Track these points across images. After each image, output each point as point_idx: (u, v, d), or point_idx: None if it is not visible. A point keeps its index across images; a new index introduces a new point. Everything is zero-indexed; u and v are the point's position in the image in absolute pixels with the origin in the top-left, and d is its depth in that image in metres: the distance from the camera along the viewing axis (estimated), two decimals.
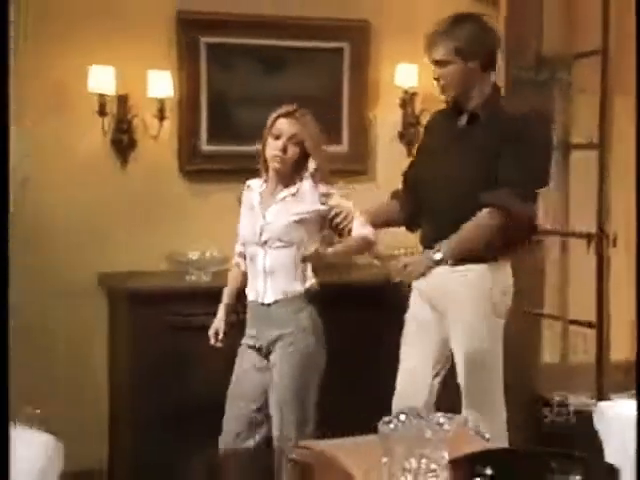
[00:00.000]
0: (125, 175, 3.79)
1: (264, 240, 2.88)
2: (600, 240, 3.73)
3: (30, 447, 2.69)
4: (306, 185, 2.90)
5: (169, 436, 3.48)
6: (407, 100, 4.04)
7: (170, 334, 3.46)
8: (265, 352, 2.93)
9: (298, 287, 2.90)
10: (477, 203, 2.84)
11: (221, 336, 3.04)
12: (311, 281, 2.93)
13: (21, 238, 3.60)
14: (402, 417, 2.07)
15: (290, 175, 2.91)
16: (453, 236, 2.83)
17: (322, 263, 2.85)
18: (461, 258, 2.85)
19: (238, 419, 2.96)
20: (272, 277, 2.89)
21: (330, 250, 2.82)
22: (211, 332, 3.05)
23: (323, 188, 2.90)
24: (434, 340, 3.02)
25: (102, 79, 3.57)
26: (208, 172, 3.87)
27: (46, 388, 3.57)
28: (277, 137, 2.87)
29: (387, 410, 2.99)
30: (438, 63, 2.91)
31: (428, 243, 2.94)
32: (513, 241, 2.96)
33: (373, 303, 3.61)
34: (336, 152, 4.04)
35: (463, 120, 2.95)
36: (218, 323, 3.05)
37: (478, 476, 1.49)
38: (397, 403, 3.03)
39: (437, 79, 2.95)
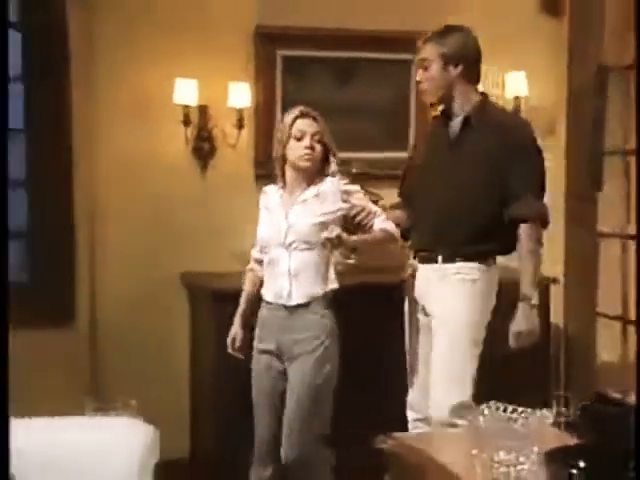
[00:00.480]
0: (205, 180, 3.94)
1: (289, 242, 2.87)
2: None
3: (131, 435, 2.85)
4: (326, 184, 2.90)
5: (247, 431, 3.60)
6: None
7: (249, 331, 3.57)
8: (285, 356, 2.90)
9: (321, 289, 2.88)
10: (479, 207, 2.91)
11: (238, 344, 3.02)
12: (334, 284, 2.92)
13: (110, 239, 3.80)
14: (486, 411, 2.19)
15: (314, 174, 2.91)
16: (522, 274, 2.89)
17: (345, 248, 2.87)
18: (452, 257, 2.93)
19: (265, 427, 3.00)
20: (297, 279, 2.86)
21: (354, 237, 2.85)
22: (229, 340, 3.04)
23: (344, 186, 2.91)
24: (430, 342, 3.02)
25: (186, 91, 3.73)
26: None
27: (132, 380, 3.74)
28: (300, 138, 2.88)
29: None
30: (422, 65, 3.00)
31: (425, 249, 3.01)
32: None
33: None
34: (403, 158, 4.16)
35: (456, 126, 2.99)
36: (235, 330, 3.04)
37: (572, 468, 1.59)
38: (409, 408, 3.10)
39: (420, 81, 3.03)
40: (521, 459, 1.94)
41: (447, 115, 3.03)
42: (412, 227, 3.11)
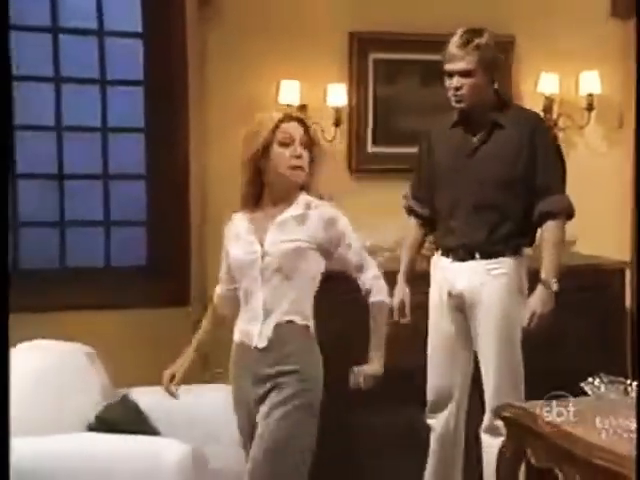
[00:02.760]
0: None
1: (262, 271, 2.40)
2: None
3: None
4: (311, 207, 2.41)
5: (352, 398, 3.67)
6: (547, 105, 4.20)
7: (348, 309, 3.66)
8: (260, 399, 2.39)
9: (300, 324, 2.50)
10: (509, 204, 2.88)
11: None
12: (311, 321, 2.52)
13: (219, 229, 3.94)
14: (597, 382, 2.28)
15: (294, 190, 2.41)
16: (547, 262, 2.87)
17: None
18: (491, 254, 2.90)
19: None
20: (270, 315, 2.43)
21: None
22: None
23: (329, 210, 2.43)
24: (463, 340, 3.01)
25: (289, 92, 3.87)
26: (372, 171, 4.12)
27: None
28: (287, 144, 2.36)
29: None
30: (462, 73, 2.88)
31: (460, 247, 2.96)
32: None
33: None
34: None
35: (482, 127, 2.93)
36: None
37: None
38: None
39: (458, 88, 2.89)
40: None
41: (471, 115, 2.95)
42: (440, 225, 3.07)
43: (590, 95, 4.17)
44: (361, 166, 4.11)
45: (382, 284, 2.48)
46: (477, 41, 2.88)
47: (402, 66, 4.10)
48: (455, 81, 2.91)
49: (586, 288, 3.74)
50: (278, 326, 2.36)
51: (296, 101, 3.90)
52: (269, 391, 2.34)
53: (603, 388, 2.14)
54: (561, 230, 2.94)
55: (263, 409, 2.33)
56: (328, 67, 3.98)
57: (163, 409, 2.92)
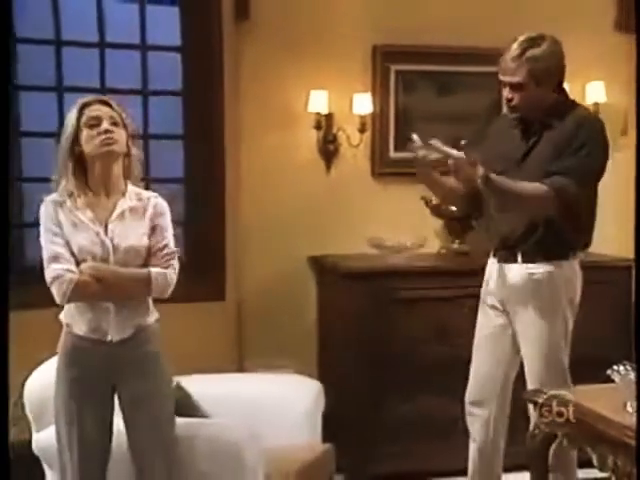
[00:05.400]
0: (329, 177, 4.10)
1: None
2: None
3: (303, 388, 3.02)
4: (145, 199, 2.35)
5: (367, 394, 3.67)
6: None
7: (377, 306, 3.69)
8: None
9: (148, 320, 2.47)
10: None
11: None
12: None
13: (252, 228, 3.97)
14: (622, 369, 2.30)
15: (120, 180, 2.31)
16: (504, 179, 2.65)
17: None
18: (533, 258, 2.79)
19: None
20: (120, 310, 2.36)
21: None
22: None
23: (163, 210, 2.38)
24: (506, 342, 2.90)
25: (318, 101, 3.91)
26: (394, 175, 4.14)
27: (269, 346, 3.90)
28: (95, 125, 2.23)
29: None
30: (513, 86, 2.75)
31: (503, 248, 2.86)
32: (577, 241, 2.87)
33: None
34: None
35: (533, 132, 2.81)
36: None
37: None
38: (470, 405, 2.97)
39: (510, 99, 2.78)
40: None
41: (527, 120, 2.83)
42: (488, 226, 2.97)
43: (596, 104, 4.20)
44: (384, 170, 4.14)
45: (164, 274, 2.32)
46: (530, 52, 2.72)
47: (422, 77, 4.14)
48: (507, 92, 2.79)
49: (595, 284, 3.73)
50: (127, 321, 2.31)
51: (324, 110, 3.94)
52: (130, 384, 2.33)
53: (632, 375, 2.15)
54: (542, 191, 2.66)
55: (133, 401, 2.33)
56: (354, 78, 4.02)
57: (209, 396, 2.94)
